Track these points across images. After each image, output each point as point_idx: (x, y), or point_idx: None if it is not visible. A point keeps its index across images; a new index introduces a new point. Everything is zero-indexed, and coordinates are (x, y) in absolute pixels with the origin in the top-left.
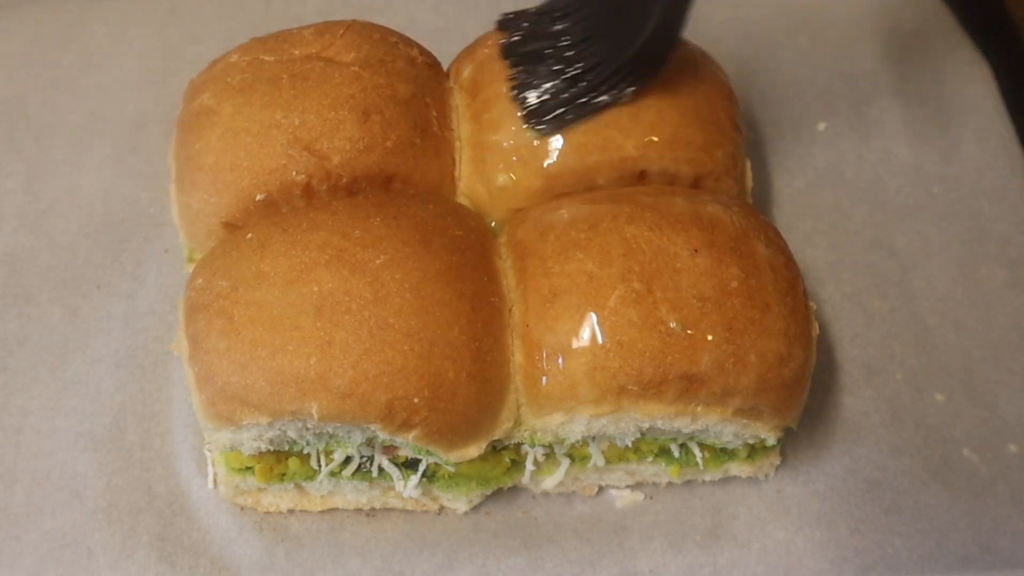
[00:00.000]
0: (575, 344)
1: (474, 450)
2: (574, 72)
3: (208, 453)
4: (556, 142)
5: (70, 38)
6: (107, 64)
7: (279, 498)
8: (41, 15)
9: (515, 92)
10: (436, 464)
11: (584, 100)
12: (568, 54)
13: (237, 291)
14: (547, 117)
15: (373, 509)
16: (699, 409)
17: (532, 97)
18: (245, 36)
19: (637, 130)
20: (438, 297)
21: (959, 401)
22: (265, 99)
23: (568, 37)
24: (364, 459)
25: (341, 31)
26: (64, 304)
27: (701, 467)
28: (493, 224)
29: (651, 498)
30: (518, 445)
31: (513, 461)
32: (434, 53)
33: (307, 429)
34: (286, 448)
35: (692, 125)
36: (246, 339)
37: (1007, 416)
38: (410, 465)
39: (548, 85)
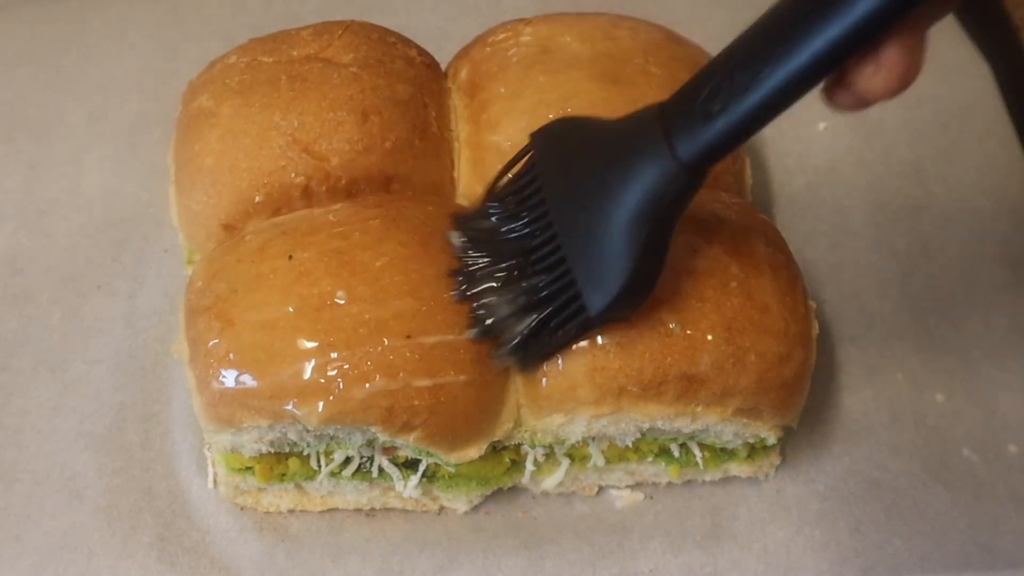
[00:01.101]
0: (574, 345)
1: (474, 451)
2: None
3: (208, 453)
4: None
5: (70, 38)
6: (107, 64)
7: (279, 498)
8: (41, 15)
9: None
10: (436, 464)
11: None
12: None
13: (236, 294)
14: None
15: (373, 509)
16: (699, 409)
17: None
18: (245, 36)
19: None
20: (438, 299)
21: (959, 401)
22: (264, 100)
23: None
24: (364, 459)
25: (339, 32)
26: (64, 304)
27: (701, 467)
28: None
29: (651, 498)
30: (518, 445)
31: (513, 461)
32: (433, 53)
33: (307, 431)
34: (286, 450)
35: None
36: (246, 342)
37: (1007, 416)
38: (410, 465)
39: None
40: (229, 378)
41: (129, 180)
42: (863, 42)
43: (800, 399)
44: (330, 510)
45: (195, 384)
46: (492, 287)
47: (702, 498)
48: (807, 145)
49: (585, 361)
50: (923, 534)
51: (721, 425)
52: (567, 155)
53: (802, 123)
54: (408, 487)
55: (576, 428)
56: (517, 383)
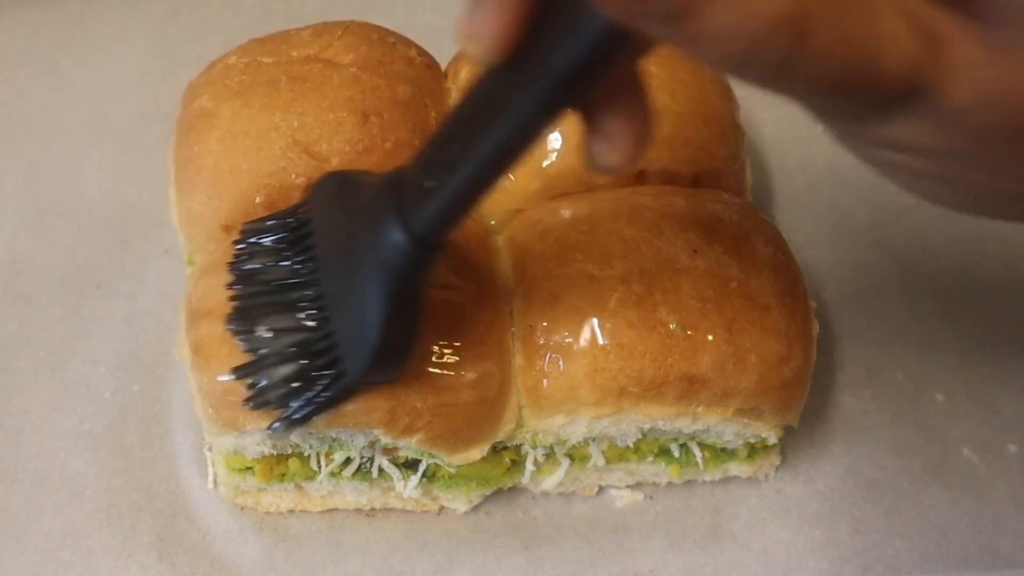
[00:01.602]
0: (575, 346)
1: (477, 452)
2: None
3: (208, 453)
4: (555, 142)
5: (70, 38)
6: (107, 64)
7: (279, 498)
8: (41, 15)
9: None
10: (436, 464)
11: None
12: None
13: None
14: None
15: (373, 509)
16: (700, 410)
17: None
18: (245, 36)
19: None
20: (436, 301)
21: (959, 401)
22: (264, 101)
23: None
24: (364, 460)
25: (339, 32)
26: (64, 304)
27: (701, 467)
28: (493, 223)
29: (651, 498)
30: (518, 445)
31: (513, 461)
32: (433, 53)
33: (310, 434)
34: (289, 451)
35: (691, 124)
36: None
37: (1007, 416)
38: (410, 466)
39: (276, 366)
40: (231, 381)
41: (129, 180)
42: (552, 114)
43: (801, 399)
44: (330, 510)
45: (197, 388)
46: (267, 338)
47: (702, 498)
48: (807, 145)
49: (586, 362)
50: (923, 534)
51: (722, 425)
52: (335, 212)
53: (802, 123)
54: (408, 487)
55: (577, 429)
56: (518, 384)
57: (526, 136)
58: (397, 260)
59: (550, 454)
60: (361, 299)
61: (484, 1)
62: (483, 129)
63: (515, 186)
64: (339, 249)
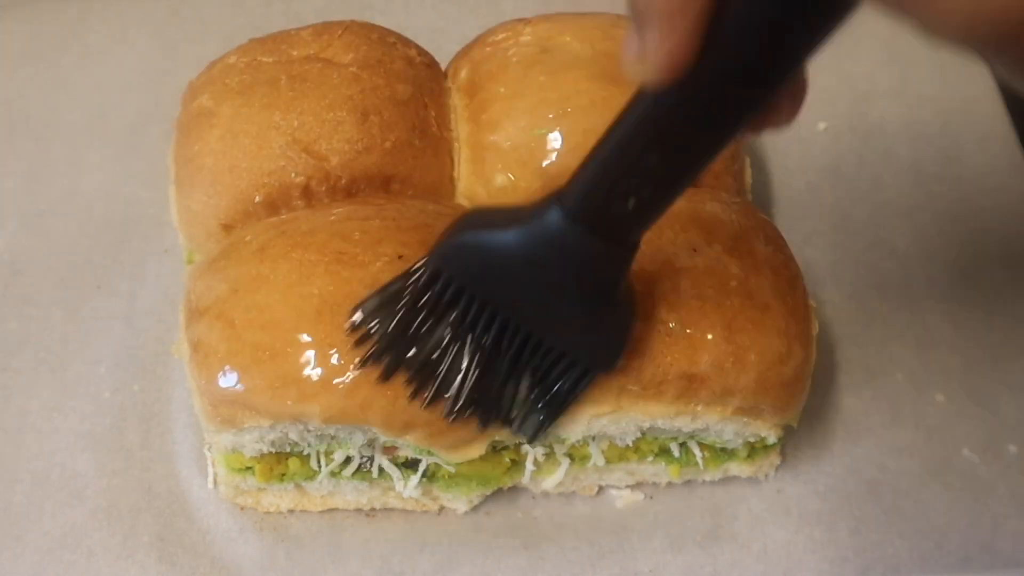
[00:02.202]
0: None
1: (475, 450)
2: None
3: (208, 453)
4: (555, 142)
5: (70, 38)
6: (107, 64)
7: (279, 498)
8: (41, 15)
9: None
10: (436, 464)
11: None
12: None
13: (237, 294)
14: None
15: (373, 509)
16: (699, 408)
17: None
18: (245, 36)
19: None
20: None
21: (959, 401)
22: (264, 101)
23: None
24: (364, 459)
25: (339, 32)
26: (64, 304)
27: (701, 467)
28: None
29: (651, 498)
30: (518, 445)
31: (513, 461)
32: (433, 53)
33: (308, 431)
34: (287, 450)
35: None
36: (247, 343)
37: (1007, 416)
38: (410, 465)
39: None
40: (230, 379)
41: (129, 180)
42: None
43: (800, 398)
44: (330, 510)
45: (196, 385)
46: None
47: (702, 498)
48: (807, 145)
49: None
50: (923, 534)
51: (721, 424)
52: (496, 273)
53: (802, 123)
54: (408, 487)
55: (576, 427)
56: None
57: (725, 142)
58: (612, 271)
59: (550, 454)
60: (584, 319)
61: (649, 22)
62: (680, 149)
63: (515, 185)
64: (526, 298)
